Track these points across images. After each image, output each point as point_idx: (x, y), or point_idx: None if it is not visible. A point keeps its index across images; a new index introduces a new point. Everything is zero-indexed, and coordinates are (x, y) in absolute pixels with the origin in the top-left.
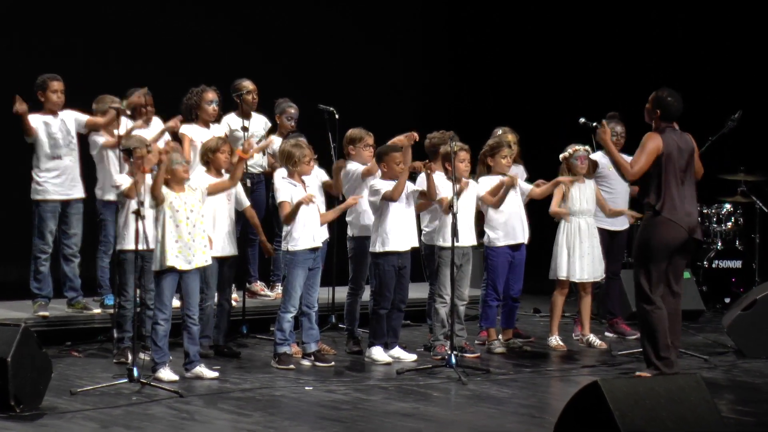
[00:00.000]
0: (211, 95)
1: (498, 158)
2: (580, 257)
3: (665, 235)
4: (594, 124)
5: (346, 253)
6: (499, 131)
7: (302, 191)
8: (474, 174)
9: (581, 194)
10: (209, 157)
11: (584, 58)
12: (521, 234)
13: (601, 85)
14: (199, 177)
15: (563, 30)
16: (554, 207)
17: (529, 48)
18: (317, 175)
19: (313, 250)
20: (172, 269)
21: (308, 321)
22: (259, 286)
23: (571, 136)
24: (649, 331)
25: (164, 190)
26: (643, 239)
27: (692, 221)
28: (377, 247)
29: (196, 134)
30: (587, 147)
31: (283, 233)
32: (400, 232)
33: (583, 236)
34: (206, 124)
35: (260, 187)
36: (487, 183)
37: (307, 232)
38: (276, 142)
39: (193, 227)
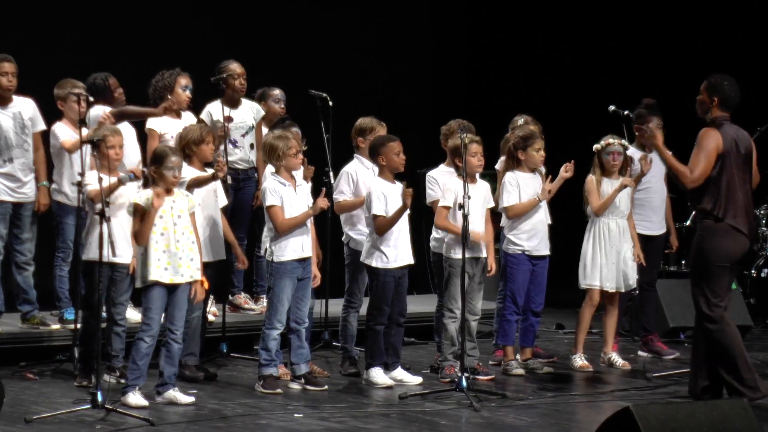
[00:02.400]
0: (185, 80)
1: (531, 151)
2: (608, 263)
3: (729, 245)
4: (626, 112)
5: (341, 260)
6: (520, 120)
7: (292, 191)
8: (491, 169)
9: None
10: (192, 150)
11: (609, 44)
12: (545, 245)
13: (628, 72)
14: (188, 172)
15: (583, 14)
16: (597, 204)
17: (547, 34)
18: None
19: (302, 260)
20: (158, 283)
21: (298, 339)
22: (242, 298)
23: (594, 126)
24: (721, 354)
25: (148, 192)
26: (701, 250)
27: (754, 228)
28: (372, 262)
29: (166, 127)
30: (624, 141)
31: (266, 240)
32: (399, 249)
33: (613, 239)
34: (177, 114)
35: (247, 184)
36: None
37: (295, 240)
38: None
39: (182, 235)
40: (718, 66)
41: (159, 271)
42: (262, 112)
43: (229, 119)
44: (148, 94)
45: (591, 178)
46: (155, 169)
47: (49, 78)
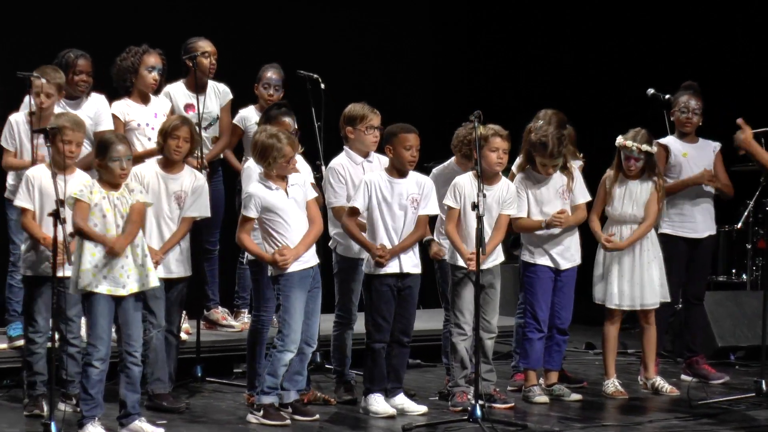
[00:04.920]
0: (153, 59)
1: (538, 161)
2: (619, 277)
3: None
4: (667, 96)
5: (330, 268)
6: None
7: (282, 195)
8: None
9: (626, 194)
10: (159, 142)
11: (609, 44)
12: (568, 255)
13: (628, 73)
14: (146, 169)
15: (583, 14)
16: (593, 222)
17: (547, 34)
18: (305, 179)
19: (310, 268)
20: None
21: (299, 362)
22: (220, 313)
23: (594, 126)
24: None
25: (89, 185)
26: None
27: None
28: (365, 268)
29: (133, 113)
30: (644, 146)
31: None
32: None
33: (625, 250)
34: (143, 98)
35: (216, 178)
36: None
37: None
38: None
39: None
40: (718, 66)
41: (95, 279)
42: (230, 96)
43: (190, 107)
44: (112, 74)
45: (606, 177)
46: (99, 161)
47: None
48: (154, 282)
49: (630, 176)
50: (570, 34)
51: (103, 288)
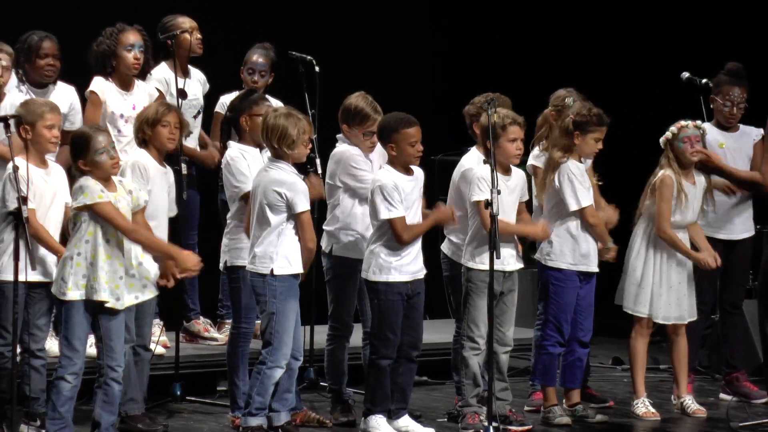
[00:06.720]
0: (132, 37)
1: (589, 139)
2: (667, 288)
3: None
4: (704, 81)
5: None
6: (568, 100)
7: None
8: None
9: (683, 196)
10: (145, 133)
11: (609, 44)
12: (595, 258)
13: (628, 73)
14: (147, 159)
15: (583, 14)
16: (665, 221)
17: (547, 34)
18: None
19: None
20: (92, 302)
21: (288, 378)
22: (201, 324)
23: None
24: None
25: (92, 183)
26: None
27: None
28: (372, 275)
29: (109, 95)
30: (699, 123)
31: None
32: (405, 256)
33: (674, 259)
34: (126, 83)
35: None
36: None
37: (297, 248)
38: None
39: (114, 247)
40: (718, 66)
41: (78, 290)
42: (207, 85)
43: (183, 94)
44: (90, 62)
45: (668, 177)
46: (84, 161)
47: None
48: (153, 292)
49: (689, 168)
50: (570, 34)
51: (112, 298)
